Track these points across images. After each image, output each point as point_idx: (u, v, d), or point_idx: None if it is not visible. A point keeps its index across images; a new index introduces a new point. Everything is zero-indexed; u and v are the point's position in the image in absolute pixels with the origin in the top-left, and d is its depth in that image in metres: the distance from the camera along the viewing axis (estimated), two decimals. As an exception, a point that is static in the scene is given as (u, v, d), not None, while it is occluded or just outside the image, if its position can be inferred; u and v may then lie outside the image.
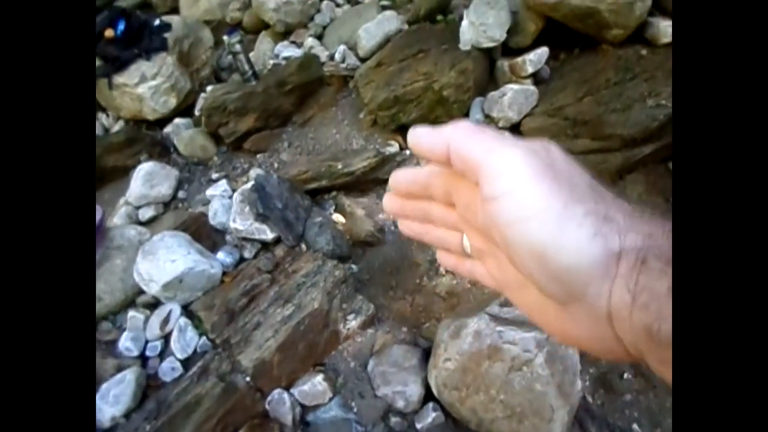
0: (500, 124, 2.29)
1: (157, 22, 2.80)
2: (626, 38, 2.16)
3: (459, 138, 0.28)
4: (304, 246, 2.15)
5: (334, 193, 2.41)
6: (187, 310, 1.92)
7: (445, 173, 0.31)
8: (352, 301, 1.92)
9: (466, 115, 2.37)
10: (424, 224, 0.36)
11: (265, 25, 3.36)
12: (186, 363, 1.75)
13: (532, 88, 2.24)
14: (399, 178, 0.35)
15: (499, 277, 0.31)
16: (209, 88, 2.83)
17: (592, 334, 0.26)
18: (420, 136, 0.29)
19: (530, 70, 2.24)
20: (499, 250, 0.29)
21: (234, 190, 2.38)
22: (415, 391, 1.60)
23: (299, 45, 3.09)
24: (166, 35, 2.74)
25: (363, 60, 2.74)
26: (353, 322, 1.87)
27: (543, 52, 2.25)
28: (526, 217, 0.25)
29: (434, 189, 0.33)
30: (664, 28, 2.11)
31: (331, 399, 1.66)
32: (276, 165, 2.63)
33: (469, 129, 0.28)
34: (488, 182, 0.26)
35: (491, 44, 2.32)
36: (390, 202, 0.37)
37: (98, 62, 2.65)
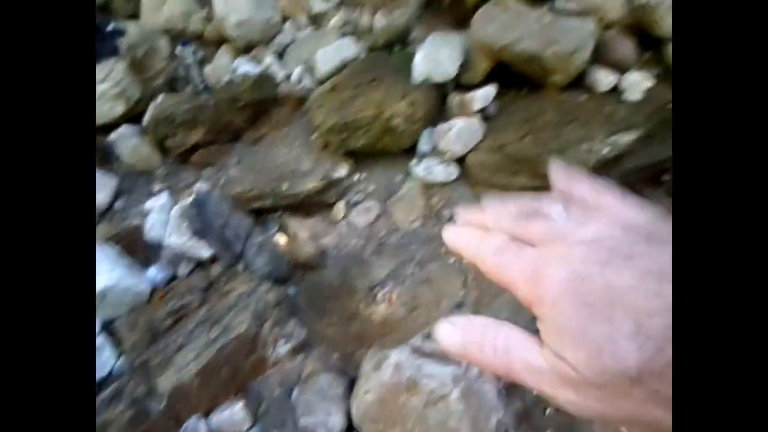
0: (446, 156, 2.34)
1: (110, 27, 2.74)
2: (568, 84, 2.26)
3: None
4: (241, 266, 2.11)
5: (278, 214, 2.39)
6: (108, 327, 1.83)
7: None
8: (284, 325, 1.88)
9: (415, 144, 2.41)
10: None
11: (226, 39, 3.34)
12: (99, 385, 1.66)
13: (479, 123, 2.31)
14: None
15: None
16: (161, 97, 2.77)
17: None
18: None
19: (478, 106, 2.31)
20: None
21: (176, 204, 2.32)
22: (337, 421, 1.57)
23: (258, 62, 3.08)
24: (118, 41, 2.68)
25: (319, 83, 2.76)
26: (283, 348, 1.83)
27: (491, 89, 2.33)
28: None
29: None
30: (601, 77, 2.23)
31: (250, 428, 1.61)
32: (223, 181, 2.58)
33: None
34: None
35: (443, 78, 2.39)
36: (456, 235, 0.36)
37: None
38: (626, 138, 2.06)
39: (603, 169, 2.08)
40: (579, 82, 2.30)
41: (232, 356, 1.69)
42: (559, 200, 0.31)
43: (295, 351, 1.85)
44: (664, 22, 2.17)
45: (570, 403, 0.26)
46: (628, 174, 2.16)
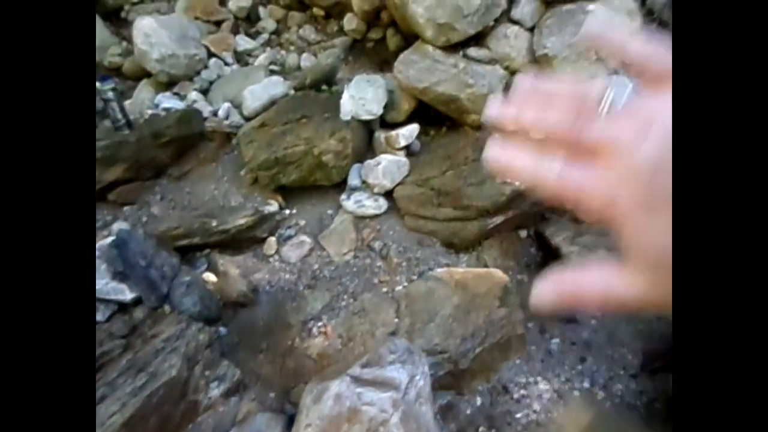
0: (375, 190, 2.45)
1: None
2: (482, 123, 2.49)
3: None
4: (168, 307, 2.01)
5: (207, 251, 2.33)
6: (13, 384, 1.66)
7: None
8: (216, 366, 1.82)
9: (345, 180, 2.49)
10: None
11: (146, 74, 3.25)
12: (3, 449, 1.49)
13: (404, 159, 2.46)
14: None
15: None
16: (73, 133, 2.62)
17: None
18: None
19: (403, 143, 2.46)
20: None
21: (91, 245, 2.17)
22: (276, 461, 1.53)
23: (182, 97, 3.03)
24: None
25: (247, 119, 2.78)
26: (216, 390, 1.77)
27: (414, 128, 2.50)
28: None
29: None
30: (511, 118, 2.48)
31: (182, 479, 1.52)
32: (145, 219, 2.47)
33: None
34: None
35: (369, 117, 2.52)
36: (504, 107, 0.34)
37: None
38: (535, 171, 2.30)
39: (516, 199, 2.30)
40: (492, 121, 2.54)
41: (161, 404, 1.60)
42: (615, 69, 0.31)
43: (229, 393, 1.79)
44: (561, 70, 2.49)
45: None
46: (536, 203, 2.40)
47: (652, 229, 0.25)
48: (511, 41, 2.47)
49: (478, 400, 1.94)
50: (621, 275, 0.28)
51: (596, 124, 0.28)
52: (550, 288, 0.31)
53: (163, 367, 1.70)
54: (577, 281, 0.30)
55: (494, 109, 0.34)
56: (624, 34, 0.31)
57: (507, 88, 2.50)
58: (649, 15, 2.76)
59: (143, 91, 3.10)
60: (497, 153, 0.34)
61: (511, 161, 0.33)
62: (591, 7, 2.34)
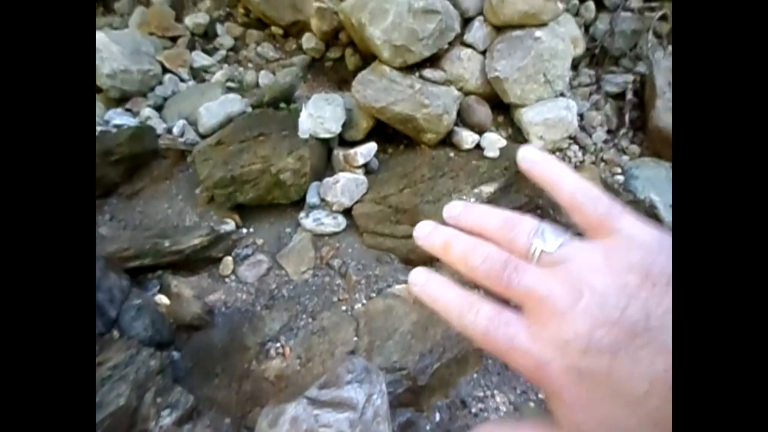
0: (334, 208, 2.45)
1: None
2: (438, 142, 2.56)
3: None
4: (116, 332, 1.93)
5: (159, 273, 2.25)
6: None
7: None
8: (168, 393, 1.75)
9: (303, 198, 2.49)
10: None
11: (97, 89, 3.15)
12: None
13: (363, 177, 2.48)
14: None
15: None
16: (15, 150, 2.50)
17: None
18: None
19: (361, 161, 2.49)
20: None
21: (33, 268, 2.06)
22: (231, 490, 1.49)
23: (135, 114, 2.95)
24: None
25: (203, 137, 2.73)
26: (168, 419, 1.70)
27: (372, 146, 2.53)
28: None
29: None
30: (465, 137, 2.56)
31: None
32: (93, 240, 2.37)
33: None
34: None
35: (327, 135, 2.53)
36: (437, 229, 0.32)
37: None
38: (488, 188, 2.38)
39: (472, 216, 2.37)
40: (447, 140, 2.62)
41: (107, 435, 1.52)
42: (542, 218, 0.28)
43: (182, 420, 1.72)
44: (512, 91, 2.60)
45: None
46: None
47: (587, 413, 0.23)
48: (464, 63, 2.57)
49: (437, 416, 1.96)
50: None
51: (525, 274, 0.26)
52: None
53: (109, 396, 1.62)
54: None
55: (423, 233, 0.32)
56: (559, 171, 0.29)
57: (461, 109, 2.59)
58: (592, 42, 2.94)
59: (93, 107, 3.00)
60: (423, 279, 0.31)
61: (437, 295, 0.30)
62: (538, 33, 2.47)
